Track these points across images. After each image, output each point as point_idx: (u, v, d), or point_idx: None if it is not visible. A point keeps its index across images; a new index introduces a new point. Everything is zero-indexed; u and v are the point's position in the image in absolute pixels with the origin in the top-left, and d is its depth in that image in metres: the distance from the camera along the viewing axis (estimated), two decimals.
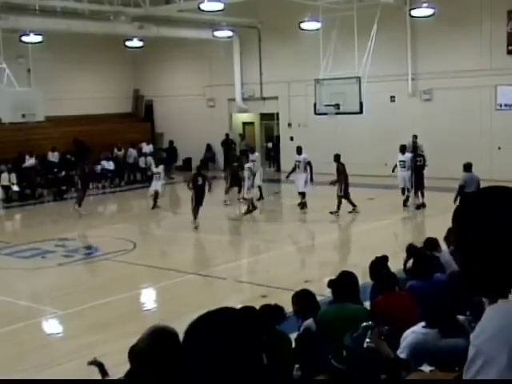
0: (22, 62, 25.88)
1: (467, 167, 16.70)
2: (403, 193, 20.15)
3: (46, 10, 23.69)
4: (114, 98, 32.08)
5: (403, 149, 20.37)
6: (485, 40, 23.82)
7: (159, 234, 19.61)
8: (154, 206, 21.32)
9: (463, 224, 1.89)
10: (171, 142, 31.93)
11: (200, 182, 18.68)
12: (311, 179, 20.56)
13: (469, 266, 1.86)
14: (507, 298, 1.77)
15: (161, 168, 21.91)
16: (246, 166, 20.72)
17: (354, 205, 19.47)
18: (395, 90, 25.96)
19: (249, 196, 20.14)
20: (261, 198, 22.37)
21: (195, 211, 18.33)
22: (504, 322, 1.72)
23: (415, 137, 22.54)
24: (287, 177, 21.27)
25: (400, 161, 20.26)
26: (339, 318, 6.32)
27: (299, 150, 21.03)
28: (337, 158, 19.86)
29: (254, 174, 20.52)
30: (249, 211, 19.92)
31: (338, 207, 19.30)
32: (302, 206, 20.46)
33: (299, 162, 20.80)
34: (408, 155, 20.34)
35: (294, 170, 21.01)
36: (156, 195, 21.32)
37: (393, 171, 20.60)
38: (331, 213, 19.12)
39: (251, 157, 22.48)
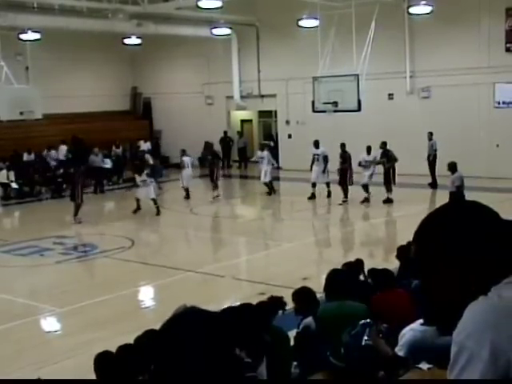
0: (20, 60, 25.88)
1: (455, 167, 16.45)
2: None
3: (45, 7, 23.68)
4: (112, 96, 32.08)
5: (369, 150, 21.12)
6: (483, 37, 23.82)
7: (157, 231, 19.61)
8: (138, 210, 20.32)
9: (429, 242, 1.90)
10: (156, 139, 32.02)
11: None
12: (324, 171, 21.52)
13: (442, 282, 1.88)
14: (487, 295, 1.80)
15: (144, 176, 20.69)
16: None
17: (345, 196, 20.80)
18: (393, 87, 25.96)
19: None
20: (271, 192, 23.23)
21: None
22: (485, 318, 1.74)
23: (431, 134, 23.18)
24: (311, 169, 21.80)
25: (366, 161, 21.04)
26: (338, 316, 6.32)
27: (317, 144, 21.79)
28: (341, 146, 21.26)
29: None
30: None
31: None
32: (311, 196, 21.46)
33: (318, 155, 21.60)
34: (373, 154, 21.05)
35: (313, 162, 21.77)
36: (154, 201, 20.47)
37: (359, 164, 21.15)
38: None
39: (260, 154, 23.72)
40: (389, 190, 20.58)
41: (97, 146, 27.41)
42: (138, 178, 20.79)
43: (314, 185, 21.48)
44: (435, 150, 23.11)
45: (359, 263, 8.69)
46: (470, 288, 1.83)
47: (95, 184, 25.67)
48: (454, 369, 1.75)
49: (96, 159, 26.93)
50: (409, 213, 19.59)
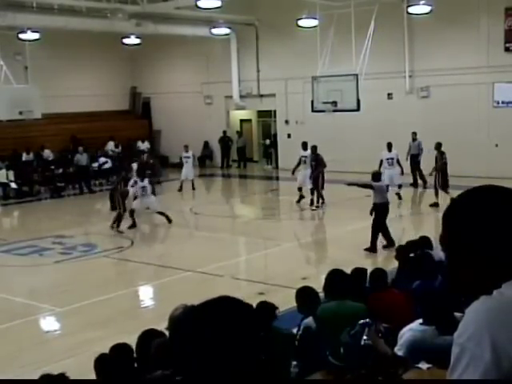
0: (19, 60, 25.87)
1: (379, 175, 15.45)
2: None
3: (44, 7, 23.65)
4: (111, 96, 32.06)
5: (390, 146, 20.75)
6: (482, 37, 23.83)
7: (156, 231, 19.60)
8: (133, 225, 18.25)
9: (454, 227, 1.89)
10: (152, 139, 32.13)
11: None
12: (311, 175, 20.53)
13: (458, 268, 1.87)
14: (491, 294, 1.80)
15: (146, 181, 18.52)
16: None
17: (314, 201, 20.20)
18: (392, 87, 25.96)
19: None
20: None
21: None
22: (485, 318, 1.74)
23: (415, 134, 22.85)
24: (293, 173, 21.17)
25: (387, 158, 20.59)
26: (338, 315, 6.33)
27: (305, 146, 21.08)
28: (312, 149, 20.44)
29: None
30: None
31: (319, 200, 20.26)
32: (311, 201, 20.38)
33: (306, 157, 20.79)
34: (395, 152, 20.62)
35: (298, 165, 21.05)
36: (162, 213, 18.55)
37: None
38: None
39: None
40: (436, 193, 19.26)
41: (83, 146, 27.20)
42: (140, 184, 18.34)
43: (300, 189, 20.75)
44: (421, 150, 22.92)
45: (364, 271, 8.60)
46: (483, 281, 1.82)
47: (80, 183, 25.76)
48: (455, 371, 1.74)
49: (81, 158, 26.50)
50: (410, 213, 19.66)
